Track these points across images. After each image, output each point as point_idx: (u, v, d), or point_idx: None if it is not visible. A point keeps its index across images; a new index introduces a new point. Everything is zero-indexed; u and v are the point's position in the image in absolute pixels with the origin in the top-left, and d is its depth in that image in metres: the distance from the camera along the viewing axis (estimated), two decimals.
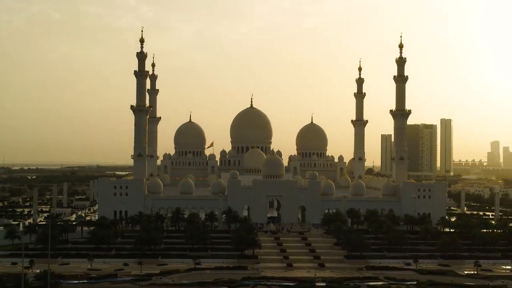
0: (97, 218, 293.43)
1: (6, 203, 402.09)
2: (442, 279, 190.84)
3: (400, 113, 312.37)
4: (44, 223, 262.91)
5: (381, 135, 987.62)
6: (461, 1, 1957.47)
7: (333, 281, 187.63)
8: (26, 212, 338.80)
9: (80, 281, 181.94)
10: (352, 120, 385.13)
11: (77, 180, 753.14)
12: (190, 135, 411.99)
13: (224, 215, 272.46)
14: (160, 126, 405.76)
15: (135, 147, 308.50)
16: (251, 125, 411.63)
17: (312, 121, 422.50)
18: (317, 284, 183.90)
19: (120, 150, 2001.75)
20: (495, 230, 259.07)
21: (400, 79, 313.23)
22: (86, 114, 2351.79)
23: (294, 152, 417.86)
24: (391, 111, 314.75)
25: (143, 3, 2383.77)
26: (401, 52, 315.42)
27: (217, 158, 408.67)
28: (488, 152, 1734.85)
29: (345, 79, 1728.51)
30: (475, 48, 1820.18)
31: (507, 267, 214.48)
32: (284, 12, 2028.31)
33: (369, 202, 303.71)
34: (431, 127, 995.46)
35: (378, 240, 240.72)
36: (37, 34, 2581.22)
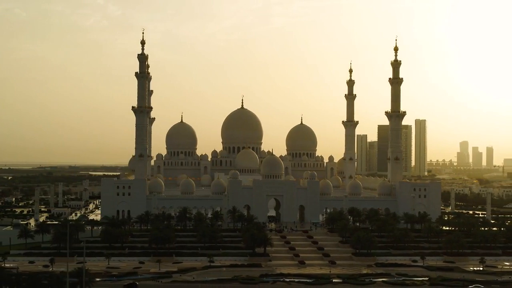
0: (99, 217, 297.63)
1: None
2: (451, 275, 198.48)
3: (395, 115, 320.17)
4: (56, 223, 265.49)
5: (357, 135, 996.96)
6: (426, 3, 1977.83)
7: (348, 277, 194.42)
8: (25, 212, 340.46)
9: (112, 278, 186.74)
10: (343, 121, 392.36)
11: (57, 180, 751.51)
12: (182, 136, 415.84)
13: (228, 214, 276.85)
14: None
15: (136, 148, 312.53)
16: (242, 126, 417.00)
17: (302, 122, 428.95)
18: (334, 280, 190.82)
19: (91, 151, 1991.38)
20: (494, 228, 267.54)
21: (395, 81, 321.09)
22: (54, 114, 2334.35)
23: (284, 152, 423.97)
24: (386, 112, 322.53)
25: (111, 2, 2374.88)
26: (396, 55, 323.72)
27: (209, 158, 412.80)
28: (457, 152, 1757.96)
29: (330, 80, 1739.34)
30: (445, 51, 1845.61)
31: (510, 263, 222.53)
32: (252, 12, 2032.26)
33: (366, 201, 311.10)
34: (407, 128, 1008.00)
35: (382, 238, 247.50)
36: (3, 33, 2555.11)
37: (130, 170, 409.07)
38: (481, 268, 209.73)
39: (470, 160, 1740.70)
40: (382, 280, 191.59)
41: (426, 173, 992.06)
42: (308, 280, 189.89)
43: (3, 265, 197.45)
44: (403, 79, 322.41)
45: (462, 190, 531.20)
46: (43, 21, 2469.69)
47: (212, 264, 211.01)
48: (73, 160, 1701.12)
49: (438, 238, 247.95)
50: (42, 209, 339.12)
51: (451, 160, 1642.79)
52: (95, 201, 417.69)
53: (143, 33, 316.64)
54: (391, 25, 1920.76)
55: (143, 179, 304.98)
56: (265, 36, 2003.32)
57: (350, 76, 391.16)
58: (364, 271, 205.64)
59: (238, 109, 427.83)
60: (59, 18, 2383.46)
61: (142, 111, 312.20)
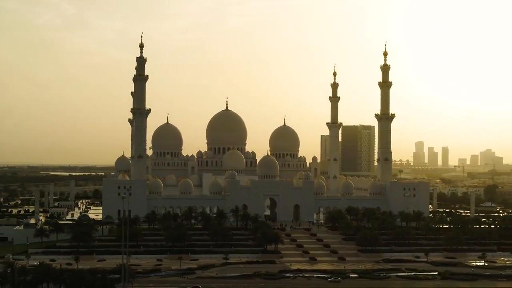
0: (98, 217, 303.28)
1: None
2: (458, 270, 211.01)
3: (385, 117, 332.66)
4: (71, 222, 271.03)
5: (321, 135, 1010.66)
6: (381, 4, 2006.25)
7: (362, 272, 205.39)
8: (22, 212, 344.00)
9: (151, 274, 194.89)
10: (327, 123, 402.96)
11: (25, 181, 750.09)
12: (167, 137, 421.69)
13: (231, 213, 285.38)
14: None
15: (135, 149, 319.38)
16: (226, 127, 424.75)
17: (284, 123, 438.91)
18: (351, 275, 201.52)
19: (48, 150, 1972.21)
20: (489, 226, 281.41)
21: (385, 85, 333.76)
22: (7, 114, 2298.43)
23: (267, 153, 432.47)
24: (376, 114, 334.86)
25: (65, 1, 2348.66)
26: (385, 59, 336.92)
27: (195, 159, 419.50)
28: (413, 152, 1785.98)
29: (311, 82, 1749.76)
30: (403, 53, 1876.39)
31: (509, 258, 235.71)
32: (208, 11, 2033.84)
33: (358, 200, 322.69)
34: (369, 128, 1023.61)
35: (383, 235, 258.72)
36: None
37: (117, 171, 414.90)
38: (482, 263, 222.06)
39: (426, 160, 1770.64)
40: (396, 275, 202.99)
41: None
42: (326, 276, 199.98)
43: (27, 263, 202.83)
44: (392, 83, 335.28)
45: (431, 190, 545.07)
46: None
47: (228, 261, 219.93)
48: (29, 160, 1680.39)
49: (435, 235, 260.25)
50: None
51: (408, 160, 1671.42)
52: (82, 201, 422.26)
53: (141, 36, 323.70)
54: (344, 24, 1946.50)
55: (144, 179, 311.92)
56: (204, 37, 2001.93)
57: (334, 79, 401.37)
58: (376, 267, 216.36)
59: (222, 110, 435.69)
60: (12, 16, 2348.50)
61: (141, 113, 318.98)
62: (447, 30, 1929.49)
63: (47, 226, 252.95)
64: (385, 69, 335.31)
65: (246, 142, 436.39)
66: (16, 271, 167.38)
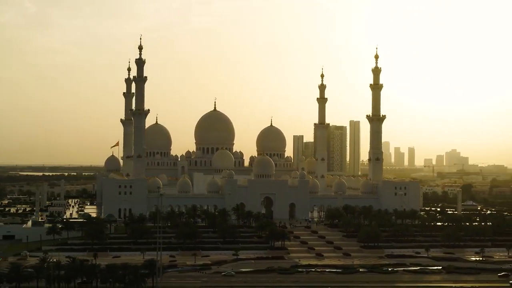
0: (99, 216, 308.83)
1: None
2: (460, 264, 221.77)
3: (376, 118, 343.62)
4: (82, 220, 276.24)
5: (293, 136, 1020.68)
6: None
7: (371, 267, 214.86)
8: (21, 211, 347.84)
9: (168, 270, 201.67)
10: (315, 124, 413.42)
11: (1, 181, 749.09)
12: (157, 137, 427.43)
13: (233, 212, 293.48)
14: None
15: (134, 149, 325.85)
16: (215, 128, 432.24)
17: (271, 123, 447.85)
18: (360, 270, 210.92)
19: (16, 150, 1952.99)
20: (480, 223, 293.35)
21: (376, 87, 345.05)
22: None
23: (255, 153, 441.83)
24: (367, 116, 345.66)
25: None
26: (376, 62, 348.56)
27: (185, 158, 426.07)
28: None
29: (298, 83, 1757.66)
30: (371, 54, 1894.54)
31: (504, 254, 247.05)
32: (173, 11, 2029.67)
33: (351, 199, 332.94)
34: (341, 129, 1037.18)
35: (383, 232, 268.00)
36: None
37: (107, 170, 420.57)
38: (481, 258, 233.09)
39: (392, 160, 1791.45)
40: (403, 270, 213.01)
41: (360, 173, 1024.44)
42: (338, 270, 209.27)
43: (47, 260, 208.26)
44: (383, 85, 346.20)
45: None
46: None
47: (238, 257, 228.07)
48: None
49: (431, 232, 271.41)
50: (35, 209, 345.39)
51: None
52: (73, 200, 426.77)
53: (140, 38, 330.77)
54: (313, 26, 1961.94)
55: (144, 178, 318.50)
56: (167, 37, 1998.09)
57: (322, 80, 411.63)
58: (382, 262, 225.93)
59: (211, 111, 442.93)
60: None
61: (140, 114, 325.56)
62: (415, 31, 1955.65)
63: (58, 225, 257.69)
64: (376, 71, 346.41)
65: (234, 142, 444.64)
66: (52, 266, 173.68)
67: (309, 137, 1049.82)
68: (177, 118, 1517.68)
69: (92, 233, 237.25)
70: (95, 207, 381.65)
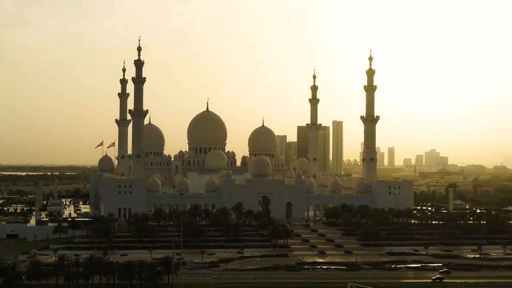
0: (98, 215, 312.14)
1: None
2: (459, 261, 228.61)
3: (370, 119, 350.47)
4: (87, 219, 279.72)
5: (276, 135, 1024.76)
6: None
7: (374, 264, 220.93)
8: (19, 211, 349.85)
9: (186, 266, 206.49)
10: (307, 124, 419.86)
11: None
12: (150, 137, 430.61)
13: (233, 211, 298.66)
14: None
15: (133, 149, 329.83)
16: (207, 128, 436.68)
17: (263, 124, 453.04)
18: (364, 267, 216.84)
19: None
20: (476, 222, 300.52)
21: (370, 89, 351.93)
22: None
23: (246, 153, 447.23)
24: (361, 116, 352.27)
25: None
26: (370, 64, 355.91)
27: (178, 158, 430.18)
28: (360, 152, 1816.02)
29: (288, 84, 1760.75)
30: (355, 53, 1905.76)
31: (500, 251, 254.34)
32: (150, 10, 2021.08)
33: (346, 198, 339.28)
34: (324, 129, 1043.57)
35: (382, 231, 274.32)
36: None
37: (100, 170, 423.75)
38: (478, 256, 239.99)
39: None
40: (406, 266, 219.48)
41: (342, 173, 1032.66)
42: (343, 267, 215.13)
43: (55, 257, 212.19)
44: (377, 87, 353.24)
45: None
46: None
47: (243, 255, 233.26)
48: None
49: (427, 230, 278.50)
50: (33, 208, 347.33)
51: (355, 160, 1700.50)
52: (66, 199, 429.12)
53: (139, 40, 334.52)
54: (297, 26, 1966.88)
55: (143, 178, 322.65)
56: (146, 35, 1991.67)
57: (314, 81, 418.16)
58: (383, 259, 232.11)
59: (203, 111, 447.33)
60: None
61: (139, 114, 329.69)
62: (393, 32, 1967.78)
63: (64, 224, 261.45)
64: (370, 73, 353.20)
65: (226, 142, 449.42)
66: (71, 264, 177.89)
67: (291, 137, 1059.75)
68: (169, 118, 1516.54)
69: (99, 232, 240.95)
70: (88, 206, 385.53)
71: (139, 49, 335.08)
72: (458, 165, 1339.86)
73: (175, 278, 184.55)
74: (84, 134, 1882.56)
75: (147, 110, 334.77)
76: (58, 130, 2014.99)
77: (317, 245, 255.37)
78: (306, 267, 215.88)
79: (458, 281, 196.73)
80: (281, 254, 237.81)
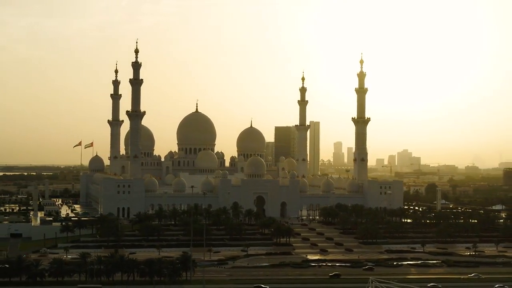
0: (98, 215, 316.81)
1: None
2: (456, 258, 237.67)
3: (361, 120, 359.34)
4: (92, 218, 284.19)
5: None
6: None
7: (375, 261, 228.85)
8: (16, 210, 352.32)
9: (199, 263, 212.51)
10: (296, 125, 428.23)
11: None
12: (141, 137, 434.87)
13: (231, 210, 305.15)
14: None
15: (131, 149, 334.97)
16: (197, 128, 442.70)
17: (251, 125, 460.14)
18: (368, 264, 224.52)
19: None
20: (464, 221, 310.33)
21: (361, 91, 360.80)
22: None
23: (235, 153, 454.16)
24: (353, 118, 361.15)
25: None
26: (361, 67, 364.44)
27: (168, 159, 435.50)
28: (333, 152, 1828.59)
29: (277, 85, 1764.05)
30: (327, 55, 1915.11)
31: (493, 248, 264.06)
32: (122, 9, 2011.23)
33: (338, 198, 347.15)
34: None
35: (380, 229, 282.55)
36: None
37: (91, 170, 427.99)
38: (474, 253, 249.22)
39: (345, 160, 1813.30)
40: (407, 263, 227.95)
41: (319, 173, 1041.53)
42: (347, 264, 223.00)
43: (65, 256, 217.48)
44: (368, 89, 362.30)
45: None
46: None
47: (247, 253, 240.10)
48: None
49: (421, 228, 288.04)
50: (30, 208, 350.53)
51: (329, 160, 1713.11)
52: (56, 199, 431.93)
53: (136, 42, 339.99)
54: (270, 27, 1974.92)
55: (141, 178, 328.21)
56: (117, 35, 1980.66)
57: (303, 83, 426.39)
58: (384, 257, 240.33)
59: (193, 112, 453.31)
60: None
61: (137, 115, 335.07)
62: (367, 35, 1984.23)
63: (70, 223, 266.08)
64: (361, 76, 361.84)
65: (215, 142, 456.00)
66: (95, 261, 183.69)
67: (269, 137, 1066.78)
68: (158, 119, 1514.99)
69: (108, 231, 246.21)
70: (79, 206, 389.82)
71: (136, 51, 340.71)
72: (431, 165, 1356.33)
73: (192, 275, 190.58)
74: (58, 134, 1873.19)
75: (145, 112, 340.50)
76: (30, 130, 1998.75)
77: (318, 243, 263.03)
78: (312, 264, 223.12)
79: (462, 277, 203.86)
80: (285, 252, 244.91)
